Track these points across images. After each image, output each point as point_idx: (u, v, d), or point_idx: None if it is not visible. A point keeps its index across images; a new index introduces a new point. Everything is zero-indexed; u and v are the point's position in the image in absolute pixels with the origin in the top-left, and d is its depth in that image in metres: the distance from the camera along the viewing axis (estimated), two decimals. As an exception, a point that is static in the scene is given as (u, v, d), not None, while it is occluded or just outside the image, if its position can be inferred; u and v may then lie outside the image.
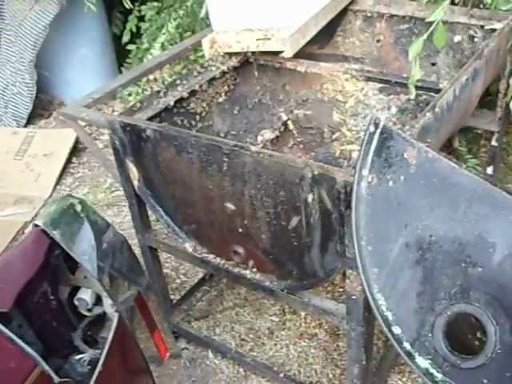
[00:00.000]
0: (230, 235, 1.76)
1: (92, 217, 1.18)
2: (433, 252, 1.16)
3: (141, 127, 1.74)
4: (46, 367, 0.97)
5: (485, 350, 1.10)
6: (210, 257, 1.88)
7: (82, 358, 1.12)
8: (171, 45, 2.69)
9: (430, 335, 1.15)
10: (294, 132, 2.35)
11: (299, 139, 2.34)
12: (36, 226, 1.12)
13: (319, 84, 2.54)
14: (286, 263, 1.70)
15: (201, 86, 2.04)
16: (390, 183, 1.26)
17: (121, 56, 3.98)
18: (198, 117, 2.08)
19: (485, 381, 1.09)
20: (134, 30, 3.56)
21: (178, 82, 2.01)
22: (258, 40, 2.03)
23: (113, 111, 3.60)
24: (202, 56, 2.74)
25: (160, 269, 2.17)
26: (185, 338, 2.31)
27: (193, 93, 2.03)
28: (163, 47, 2.66)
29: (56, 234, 1.07)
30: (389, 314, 1.19)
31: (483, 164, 2.65)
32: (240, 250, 1.77)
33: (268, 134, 2.26)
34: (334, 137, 2.34)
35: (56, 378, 0.99)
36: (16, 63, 3.52)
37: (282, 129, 2.31)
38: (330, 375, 2.12)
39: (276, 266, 1.73)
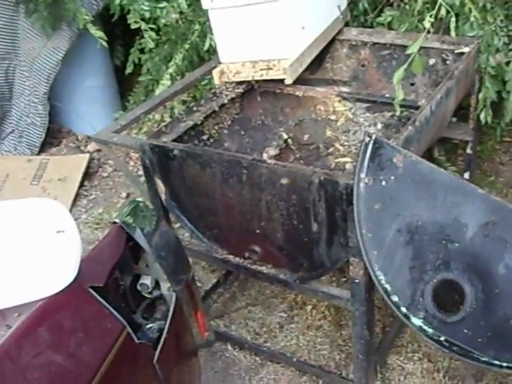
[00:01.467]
0: (248, 236, 2.07)
1: (152, 216, 1.47)
2: (419, 234, 1.48)
3: (169, 148, 2.06)
4: (130, 330, 1.26)
5: (464, 306, 1.42)
6: (230, 257, 2.19)
7: (152, 326, 1.41)
8: (178, 75, 3.01)
9: (421, 299, 1.47)
10: (294, 148, 2.67)
11: (298, 155, 2.66)
12: (115, 223, 1.42)
13: (313, 106, 2.88)
14: (297, 257, 2.01)
15: (213, 112, 2.37)
16: (383, 183, 1.58)
17: (122, 86, 4.33)
18: (211, 138, 2.40)
19: (465, 330, 1.40)
20: (137, 61, 3.89)
21: (195, 108, 2.34)
22: (261, 70, 2.36)
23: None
24: (207, 84, 3.08)
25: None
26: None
27: (207, 117, 2.35)
28: (172, 78, 2.97)
29: (130, 230, 1.37)
30: (388, 286, 1.51)
31: (460, 171, 2.98)
32: (257, 248, 2.08)
33: (272, 151, 2.58)
34: (328, 151, 2.67)
35: (136, 340, 1.29)
36: (30, 96, 3.82)
37: (283, 146, 2.64)
38: (337, 358, 2.42)
39: (289, 261, 2.04)
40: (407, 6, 2.72)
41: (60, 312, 1.20)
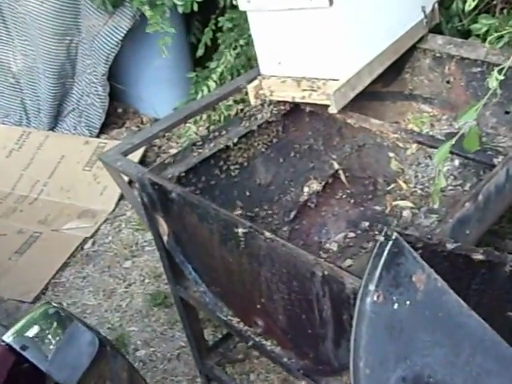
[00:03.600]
0: (251, 307, 1.68)
1: (71, 327, 1.13)
2: (432, 399, 1.03)
3: (167, 188, 1.69)
4: None
5: None
6: (234, 321, 1.81)
7: None
8: (230, 75, 2.60)
9: None
10: (345, 182, 2.21)
11: (349, 190, 2.20)
12: (2, 341, 1.10)
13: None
14: (302, 345, 1.60)
15: (244, 135, 1.96)
16: (396, 305, 1.12)
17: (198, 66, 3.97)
18: (238, 167, 2.00)
19: None
20: (209, 43, 3.49)
21: (224, 132, 1.94)
22: (304, 91, 1.91)
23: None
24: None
25: (193, 317, 2.13)
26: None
27: (236, 142, 1.95)
28: (221, 77, 2.58)
29: (25, 351, 1.04)
30: None
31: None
32: (260, 322, 1.69)
33: (315, 185, 2.14)
34: (388, 189, 2.19)
35: None
36: (90, 75, 3.59)
37: (332, 179, 2.18)
38: None
39: (293, 346, 1.64)
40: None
41: None
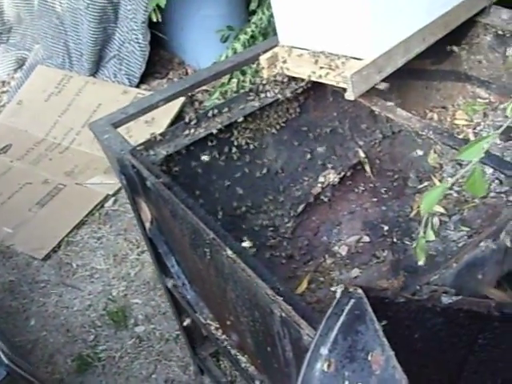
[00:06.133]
0: (224, 319, 1.47)
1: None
2: None
3: (143, 175, 1.48)
4: None
5: None
6: (213, 326, 1.61)
7: None
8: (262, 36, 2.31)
9: None
10: (370, 174, 1.92)
11: (373, 185, 1.91)
12: None
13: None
14: (272, 374, 1.38)
15: (249, 115, 1.70)
16: (346, 383, 0.88)
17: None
18: (242, 149, 1.75)
19: None
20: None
21: (226, 109, 1.68)
22: (321, 68, 1.62)
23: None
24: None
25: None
26: (208, 377, 2.10)
27: (244, 119, 1.70)
28: (253, 36, 2.28)
29: None
30: None
31: None
32: (233, 337, 1.48)
33: (332, 176, 1.87)
34: (419, 187, 1.89)
35: None
36: (131, 22, 3.37)
37: (354, 169, 1.90)
38: None
39: (265, 371, 1.42)
40: None
41: None
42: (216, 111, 1.66)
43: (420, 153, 1.80)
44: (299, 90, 1.74)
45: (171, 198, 1.36)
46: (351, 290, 0.88)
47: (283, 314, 1.04)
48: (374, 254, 1.72)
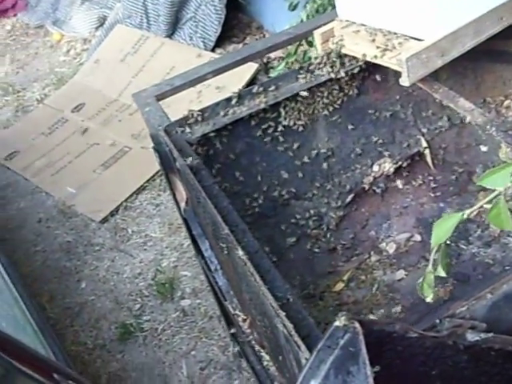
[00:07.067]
0: (247, 314, 1.38)
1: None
2: None
3: (173, 155, 1.39)
4: None
5: None
6: (240, 318, 1.52)
7: None
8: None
9: None
10: (431, 166, 1.74)
11: (433, 178, 1.73)
12: None
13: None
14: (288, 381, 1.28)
15: (297, 94, 1.57)
16: (335, 428, 0.77)
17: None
18: (290, 130, 1.63)
19: None
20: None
21: (273, 87, 1.56)
22: (377, 48, 1.45)
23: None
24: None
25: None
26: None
27: (289, 99, 1.58)
28: (323, 5, 2.12)
29: None
30: None
31: None
32: (255, 334, 1.39)
33: (388, 165, 1.71)
34: (485, 183, 1.69)
35: None
36: (208, -17, 3.28)
37: (412, 159, 1.73)
38: None
39: (282, 375, 1.32)
40: None
41: None
42: (261, 89, 1.54)
43: (484, 149, 1.59)
44: (356, 70, 1.59)
45: (194, 183, 1.26)
46: (347, 323, 0.76)
47: (285, 332, 0.94)
48: (424, 256, 1.56)
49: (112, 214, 2.73)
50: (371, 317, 1.37)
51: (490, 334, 0.88)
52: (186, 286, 2.38)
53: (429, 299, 0.87)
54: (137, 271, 2.47)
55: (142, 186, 2.85)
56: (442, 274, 0.87)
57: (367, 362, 0.73)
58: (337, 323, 0.77)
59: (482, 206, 1.55)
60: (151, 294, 2.36)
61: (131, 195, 2.81)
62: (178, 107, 2.13)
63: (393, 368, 0.85)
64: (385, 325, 0.80)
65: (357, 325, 0.76)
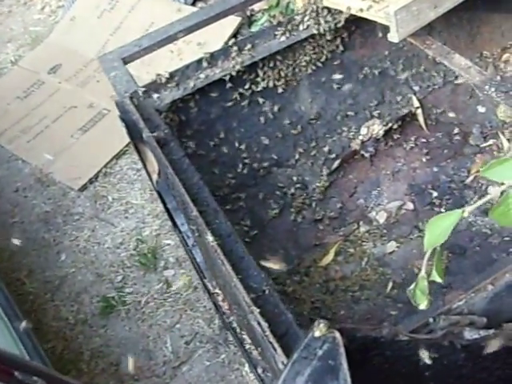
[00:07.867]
0: (226, 297, 1.28)
1: None
2: None
3: (139, 126, 1.27)
4: None
5: None
6: (220, 297, 1.43)
7: None
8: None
9: None
10: (423, 127, 1.62)
11: (426, 140, 1.61)
12: None
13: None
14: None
15: (277, 53, 1.44)
16: None
17: None
18: (270, 92, 1.50)
19: None
20: None
21: (249, 46, 1.42)
22: (363, 0, 1.31)
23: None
24: None
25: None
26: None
27: (271, 56, 1.44)
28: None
29: None
30: None
31: None
32: (236, 317, 1.29)
33: (377, 127, 1.58)
34: (482, 145, 1.58)
35: None
36: None
37: (403, 120, 1.60)
38: None
39: (266, 360, 1.23)
40: None
41: None
42: (235, 48, 1.40)
43: (482, 110, 1.47)
44: (339, 24, 1.45)
45: (161, 158, 1.14)
46: (325, 333, 0.65)
47: (259, 330, 0.83)
48: (417, 226, 1.46)
49: (91, 181, 2.61)
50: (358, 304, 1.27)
51: (490, 331, 0.78)
52: (170, 255, 2.28)
53: (422, 307, 0.76)
54: (118, 241, 2.36)
55: (121, 150, 2.71)
56: (438, 279, 0.75)
57: (348, 379, 0.63)
58: (315, 333, 0.67)
59: (478, 171, 1.43)
60: (133, 265, 2.26)
61: (111, 160, 2.68)
62: (158, 66, 2.00)
63: (381, 372, 0.75)
64: (370, 331, 0.69)
65: (337, 334, 0.65)
